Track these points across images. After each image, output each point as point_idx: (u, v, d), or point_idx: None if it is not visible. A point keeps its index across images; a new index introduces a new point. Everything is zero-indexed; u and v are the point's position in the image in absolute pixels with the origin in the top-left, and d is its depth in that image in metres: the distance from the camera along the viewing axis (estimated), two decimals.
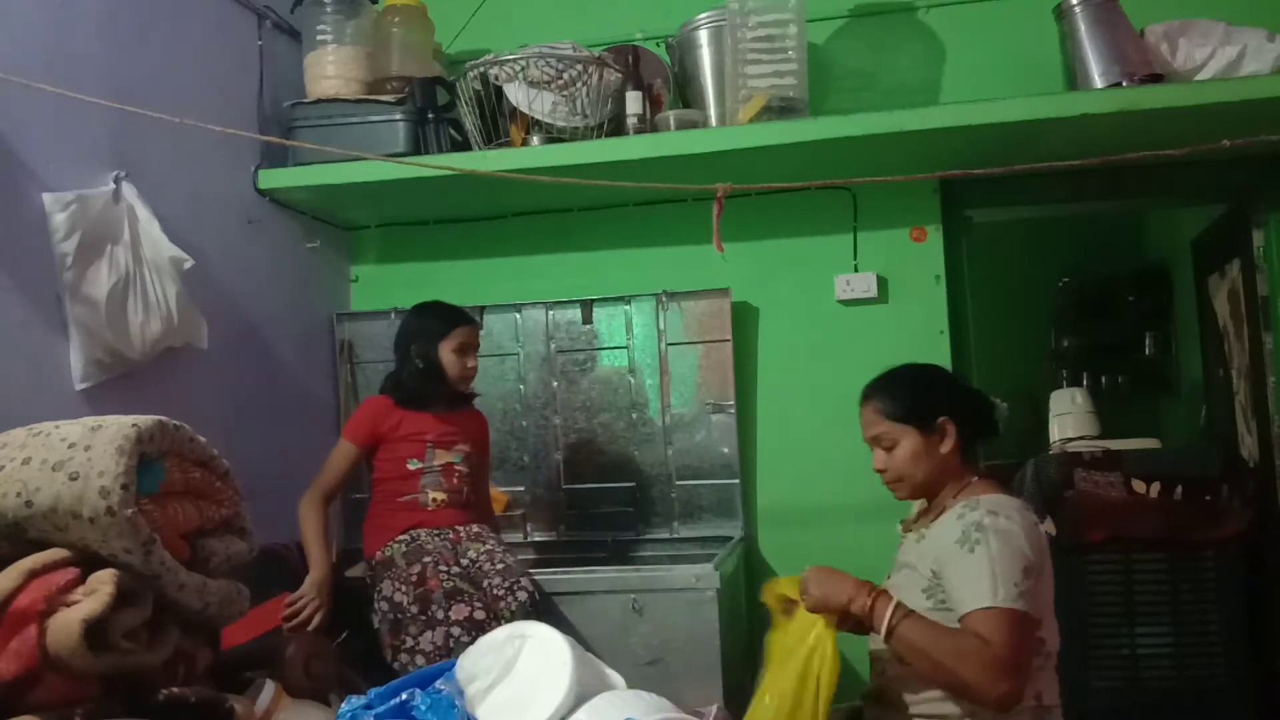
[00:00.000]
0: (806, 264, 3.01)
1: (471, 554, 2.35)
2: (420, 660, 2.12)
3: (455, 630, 2.12)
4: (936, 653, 1.64)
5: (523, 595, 2.25)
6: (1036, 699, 1.73)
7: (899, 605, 1.68)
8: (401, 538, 2.36)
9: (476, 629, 2.09)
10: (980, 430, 1.91)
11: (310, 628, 2.19)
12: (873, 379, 1.94)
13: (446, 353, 2.44)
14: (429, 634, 2.14)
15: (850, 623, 1.76)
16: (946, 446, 1.83)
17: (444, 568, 2.25)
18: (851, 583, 1.73)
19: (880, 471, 1.89)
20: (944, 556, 1.72)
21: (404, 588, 2.24)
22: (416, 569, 2.25)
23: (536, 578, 2.36)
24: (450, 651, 2.08)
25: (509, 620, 2.12)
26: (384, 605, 2.25)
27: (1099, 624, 2.83)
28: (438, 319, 2.48)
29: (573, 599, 2.39)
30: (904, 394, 1.87)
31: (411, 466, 2.42)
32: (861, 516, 2.81)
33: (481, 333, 2.63)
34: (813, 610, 1.76)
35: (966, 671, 1.61)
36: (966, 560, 1.68)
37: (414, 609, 2.19)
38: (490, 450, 2.69)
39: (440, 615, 2.15)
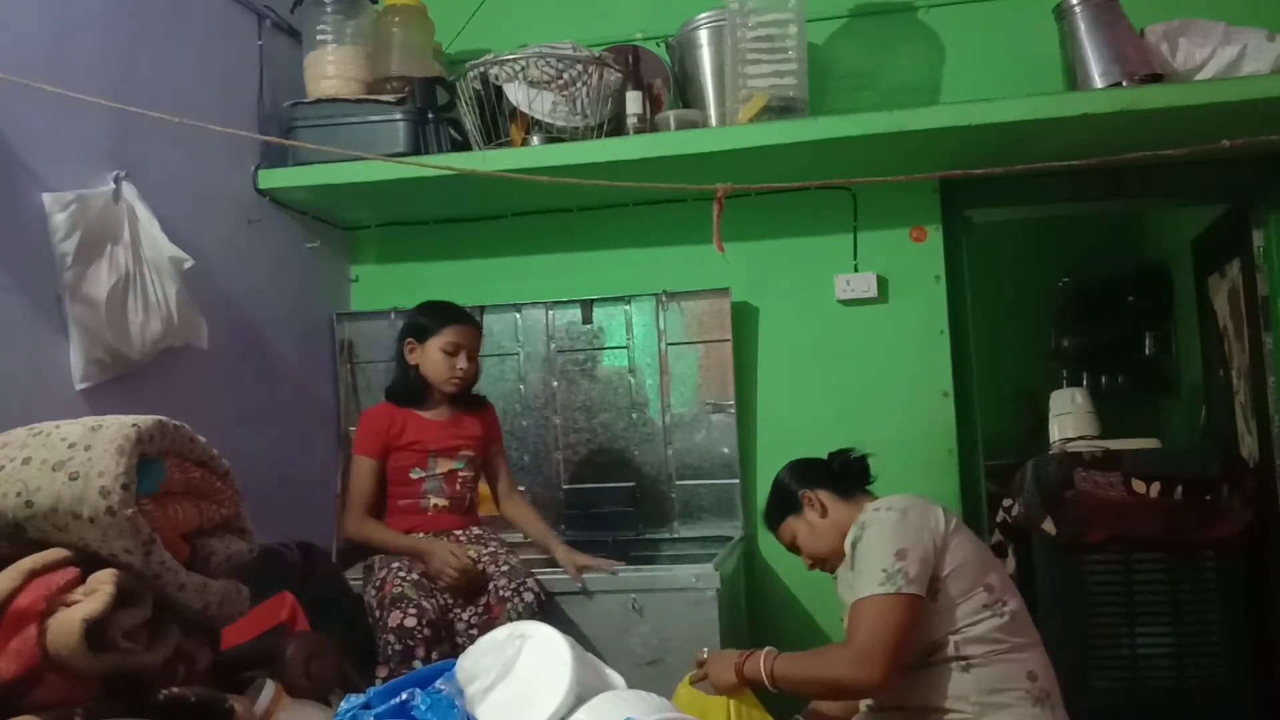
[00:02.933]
0: (806, 264, 3.01)
1: (473, 554, 2.35)
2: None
3: (390, 637, 2.11)
4: (808, 672, 1.80)
5: (529, 597, 2.25)
6: (1030, 677, 1.77)
7: (768, 652, 1.83)
8: None
9: (406, 635, 2.09)
10: (848, 475, 2.08)
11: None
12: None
13: (434, 351, 2.42)
14: (381, 637, 2.15)
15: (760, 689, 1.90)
16: (821, 511, 2.01)
17: (402, 573, 2.24)
18: (734, 655, 1.87)
19: (811, 568, 2.07)
20: (852, 563, 1.85)
21: (373, 591, 2.26)
22: (384, 573, 2.26)
23: (541, 576, 2.36)
24: (388, 659, 2.09)
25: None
26: (369, 605, 2.27)
27: (1099, 624, 2.84)
28: (430, 317, 2.46)
29: (573, 599, 2.39)
30: (770, 503, 2.12)
31: (414, 475, 2.43)
32: None
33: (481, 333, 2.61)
34: (720, 694, 1.88)
35: (833, 672, 1.75)
36: (855, 560, 1.83)
37: (378, 613, 2.20)
38: (503, 437, 2.67)
39: (384, 620, 2.16)
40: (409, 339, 2.46)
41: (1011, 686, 1.76)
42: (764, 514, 2.15)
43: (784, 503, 2.07)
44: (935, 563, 1.79)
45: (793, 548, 2.08)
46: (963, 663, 1.77)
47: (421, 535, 2.38)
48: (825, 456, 2.15)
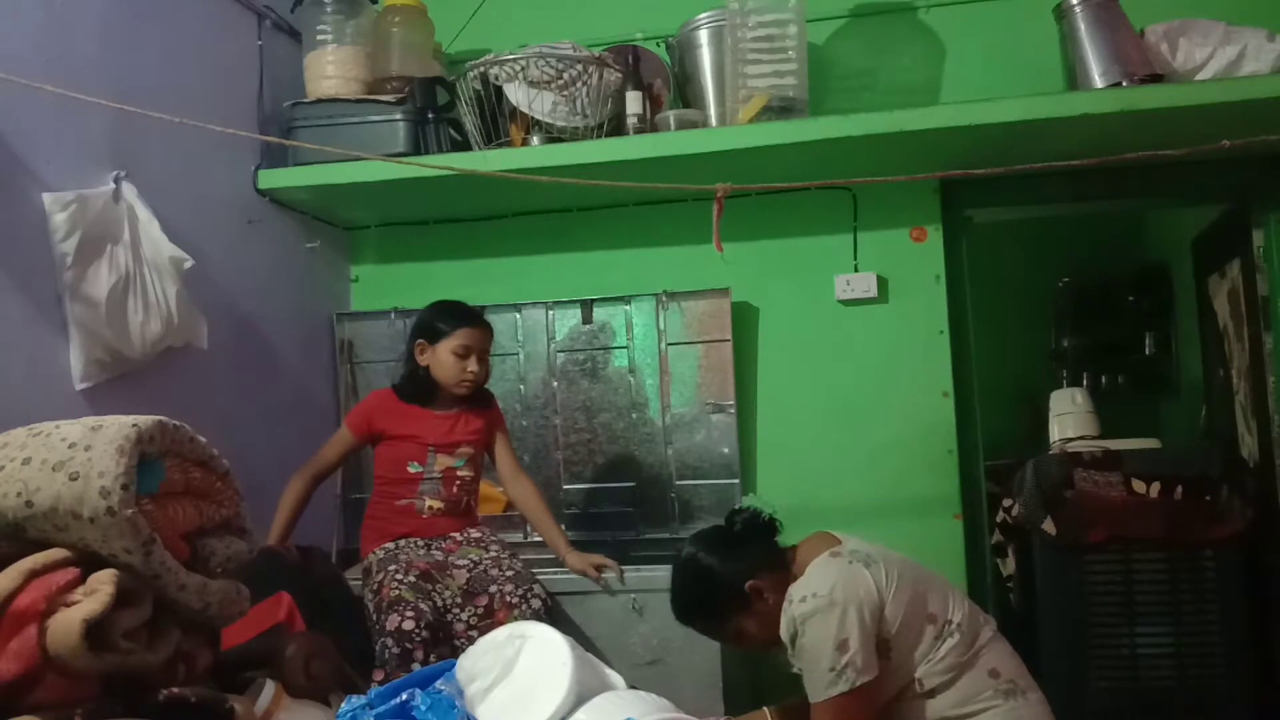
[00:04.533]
0: (806, 264, 3.01)
1: (473, 555, 2.35)
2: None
3: (389, 641, 2.10)
4: None
5: (536, 604, 2.24)
6: (992, 675, 1.79)
7: None
8: (388, 545, 2.37)
9: (404, 639, 2.09)
10: (764, 540, 1.95)
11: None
12: (672, 606, 2.00)
13: (445, 353, 2.42)
14: (379, 640, 2.14)
15: None
16: (767, 604, 1.87)
17: (400, 575, 2.23)
18: None
19: (755, 653, 2.03)
20: (796, 661, 1.83)
21: (371, 595, 2.25)
22: (381, 575, 2.25)
23: (543, 577, 2.36)
24: (385, 662, 2.08)
25: None
26: (367, 608, 2.26)
27: (1099, 624, 2.83)
28: (442, 318, 2.46)
29: (573, 599, 2.39)
30: (703, 603, 1.94)
31: (411, 470, 2.42)
32: (861, 516, 2.81)
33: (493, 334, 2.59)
34: None
35: None
36: (798, 660, 1.81)
37: (375, 616, 2.20)
38: (507, 427, 2.65)
39: (381, 623, 2.15)
40: (420, 339, 2.45)
41: (979, 692, 1.78)
42: (689, 616, 1.98)
43: (727, 601, 1.89)
44: (877, 631, 1.77)
45: (736, 642, 1.96)
46: (928, 692, 1.79)
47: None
48: (723, 522, 2.02)
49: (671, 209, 3.05)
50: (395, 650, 2.08)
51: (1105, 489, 2.82)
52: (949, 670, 1.78)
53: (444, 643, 2.17)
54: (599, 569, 2.38)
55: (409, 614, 2.12)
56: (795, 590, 1.83)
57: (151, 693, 1.36)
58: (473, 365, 2.42)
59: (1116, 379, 4.81)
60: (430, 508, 2.42)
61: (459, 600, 2.26)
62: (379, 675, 2.07)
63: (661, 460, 3.00)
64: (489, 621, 2.19)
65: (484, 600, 2.26)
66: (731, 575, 1.89)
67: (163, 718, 1.35)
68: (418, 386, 2.45)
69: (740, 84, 2.66)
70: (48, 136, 2.04)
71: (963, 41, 2.98)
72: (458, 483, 2.45)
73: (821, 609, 1.76)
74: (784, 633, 1.82)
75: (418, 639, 2.09)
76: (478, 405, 2.52)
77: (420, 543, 2.39)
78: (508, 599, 2.23)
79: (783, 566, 1.92)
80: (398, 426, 2.43)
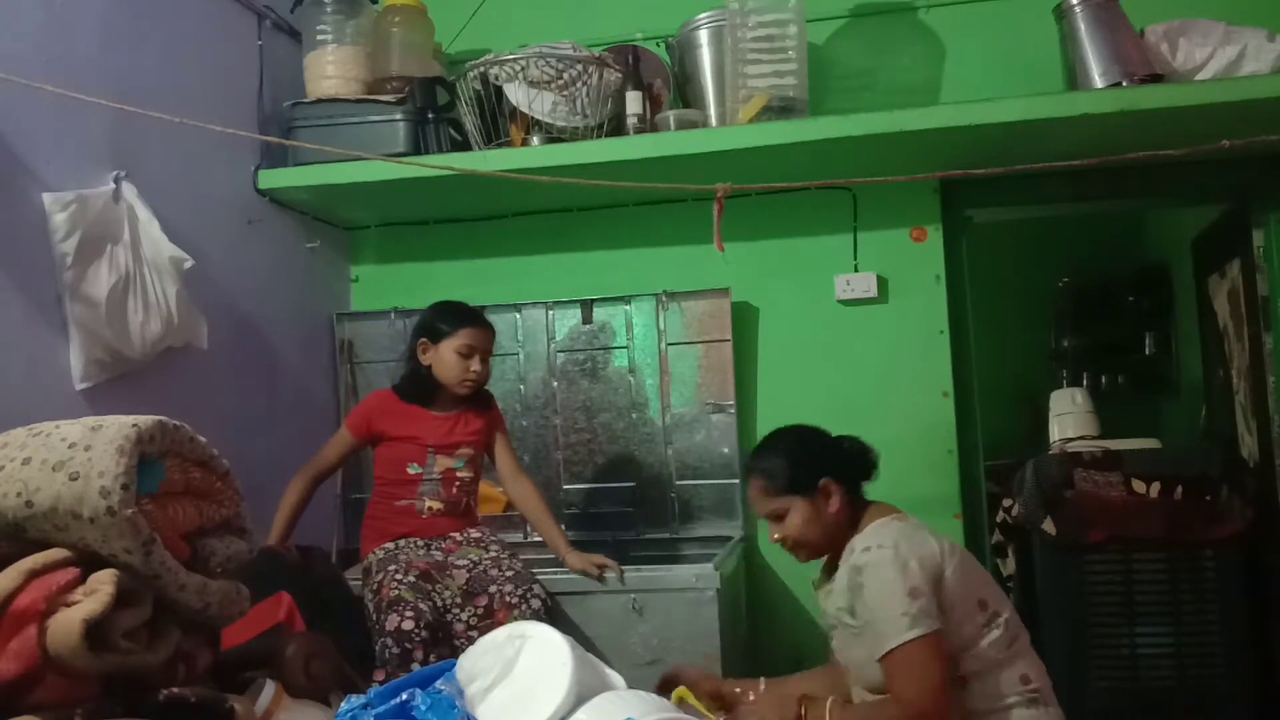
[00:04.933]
0: (806, 264, 3.01)
1: (473, 555, 2.35)
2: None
3: (388, 641, 2.10)
4: None
5: (536, 604, 2.24)
6: (1023, 680, 1.77)
7: (831, 706, 1.77)
8: (387, 545, 2.36)
9: (404, 639, 2.08)
10: (860, 474, 1.95)
11: None
12: (753, 450, 2.01)
13: (448, 352, 2.41)
14: (379, 640, 2.14)
15: None
16: (834, 506, 1.89)
17: (399, 575, 2.23)
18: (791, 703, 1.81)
19: (779, 542, 1.94)
20: (853, 608, 1.79)
21: (370, 595, 2.25)
22: (381, 575, 2.25)
23: (543, 576, 2.36)
24: (385, 662, 2.08)
25: None
26: (367, 608, 2.26)
27: (1099, 624, 2.83)
28: (445, 317, 2.45)
29: (573, 599, 2.39)
30: (783, 467, 1.92)
31: (411, 471, 2.41)
32: None
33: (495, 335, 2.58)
34: None
35: None
36: (862, 610, 1.76)
37: (375, 616, 2.20)
38: (507, 427, 2.65)
39: (381, 623, 2.15)
40: (422, 339, 2.45)
41: (1007, 694, 1.77)
42: (759, 468, 1.95)
43: (799, 479, 1.90)
44: (937, 592, 1.76)
45: (772, 517, 1.94)
46: (960, 679, 1.77)
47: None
48: (834, 436, 2.00)
49: (671, 209, 3.05)
50: (395, 650, 2.08)
51: (1105, 489, 2.83)
52: (986, 663, 1.76)
53: (444, 643, 2.17)
54: (600, 568, 2.38)
55: (408, 614, 2.12)
56: (858, 542, 1.82)
57: (151, 693, 1.36)
58: (475, 365, 2.42)
59: (1116, 379, 4.81)
60: (430, 508, 2.42)
61: (459, 600, 2.26)
62: (379, 675, 2.07)
63: (661, 460, 3.00)
64: (489, 622, 2.18)
65: (484, 600, 2.26)
66: (815, 460, 1.91)
67: (163, 718, 1.34)
68: (419, 386, 2.44)
69: (740, 84, 2.66)
70: (48, 136, 2.04)
71: (963, 41, 2.98)
72: (457, 484, 2.45)
73: (887, 560, 1.74)
74: (845, 581, 1.79)
75: (417, 639, 2.09)
76: (477, 406, 2.52)
77: (420, 543, 2.39)
78: (507, 599, 2.23)
79: (853, 502, 1.91)
80: (397, 428, 2.43)
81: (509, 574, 2.29)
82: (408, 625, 2.10)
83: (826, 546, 1.93)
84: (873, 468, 1.98)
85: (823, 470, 1.89)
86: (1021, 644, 1.82)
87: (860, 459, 1.97)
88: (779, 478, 1.91)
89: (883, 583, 1.73)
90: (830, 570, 1.96)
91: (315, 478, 2.46)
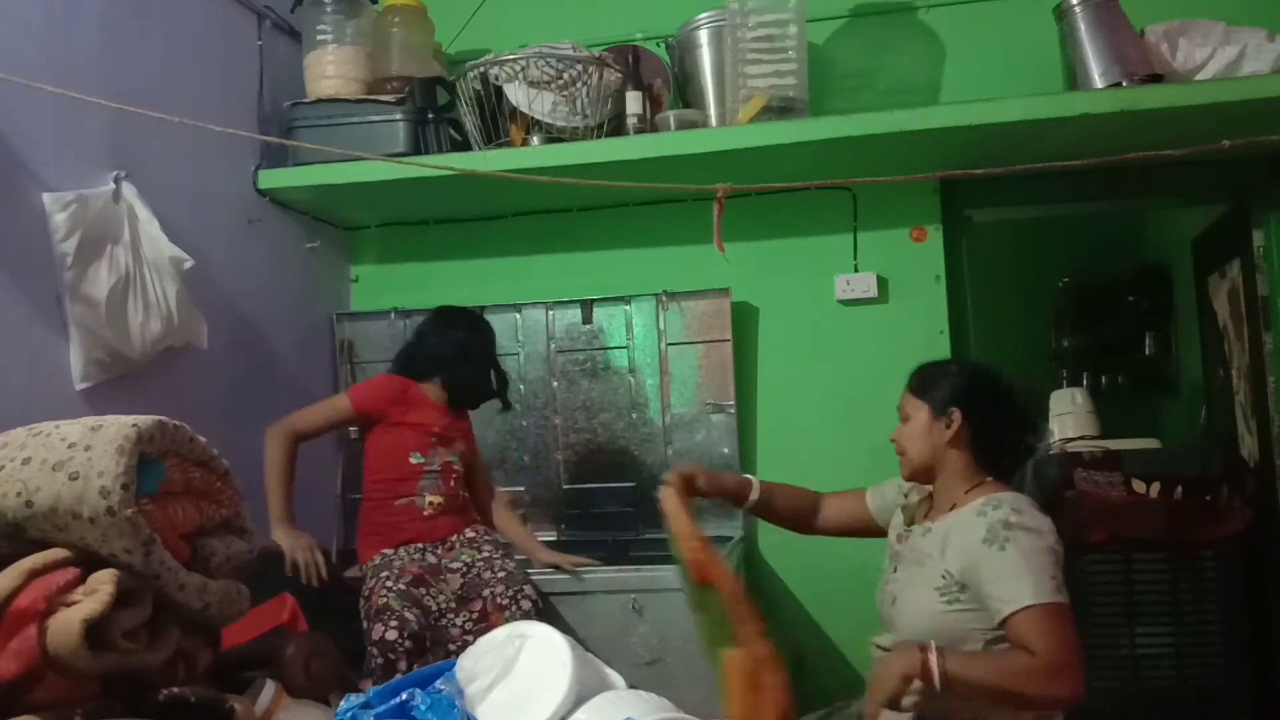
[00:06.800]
0: (806, 264, 3.01)
1: (466, 558, 2.35)
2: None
3: (374, 650, 2.09)
4: (993, 682, 1.64)
5: (527, 604, 2.24)
6: None
7: (940, 653, 1.63)
8: (386, 551, 2.35)
9: (388, 649, 2.07)
10: (1001, 442, 1.87)
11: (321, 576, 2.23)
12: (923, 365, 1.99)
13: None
14: (368, 649, 2.14)
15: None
16: (947, 435, 1.84)
17: (389, 583, 2.22)
18: (895, 663, 1.67)
19: (893, 441, 1.94)
20: (971, 557, 1.71)
21: (363, 602, 2.24)
22: (373, 582, 2.25)
23: (536, 578, 2.36)
24: (370, 672, 2.07)
25: None
26: (361, 615, 2.25)
27: (1099, 624, 2.83)
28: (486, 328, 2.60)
29: (573, 599, 2.39)
30: (933, 374, 1.92)
31: (414, 460, 2.40)
32: None
33: None
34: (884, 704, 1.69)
35: (1027, 688, 1.62)
36: (999, 559, 1.68)
37: (365, 624, 2.19)
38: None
39: (369, 632, 2.14)
40: (485, 346, 2.58)
41: None
42: (920, 369, 1.95)
43: (935, 390, 1.88)
44: None
45: (901, 414, 1.92)
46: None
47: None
48: (1016, 400, 1.91)
49: (671, 209, 3.05)
50: (379, 660, 2.07)
51: (1105, 489, 2.83)
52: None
53: (431, 651, 2.14)
54: (575, 564, 2.43)
55: (393, 623, 2.10)
56: (1006, 500, 1.75)
57: (151, 693, 1.36)
58: None
59: (1116, 379, 4.81)
60: (431, 503, 2.40)
61: (453, 605, 2.25)
62: (366, 685, 2.06)
63: (661, 460, 3.00)
64: (484, 625, 2.17)
65: (478, 605, 2.25)
66: (966, 390, 1.87)
67: (163, 718, 1.35)
68: (477, 391, 2.55)
69: (740, 84, 2.66)
70: (48, 136, 2.04)
71: (963, 41, 2.98)
72: (454, 477, 2.45)
73: (1045, 530, 1.72)
74: (980, 529, 1.71)
75: (400, 649, 2.08)
76: (462, 410, 2.55)
77: (415, 547, 2.38)
78: (499, 600, 2.23)
79: (981, 460, 1.85)
80: (405, 414, 2.42)
81: (500, 575, 2.29)
82: (391, 635, 2.09)
83: (923, 471, 1.89)
84: (1029, 451, 1.88)
85: (959, 400, 1.85)
86: None
87: (1014, 428, 1.88)
88: (924, 381, 1.92)
89: (1035, 547, 1.68)
90: (927, 509, 1.91)
91: (298, 436, 2.36)
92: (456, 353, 2.49)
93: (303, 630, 2.04)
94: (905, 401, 1.93)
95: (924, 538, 1.84)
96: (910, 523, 1.94)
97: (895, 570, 1.89)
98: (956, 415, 1.85)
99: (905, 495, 2.03)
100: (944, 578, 1.74)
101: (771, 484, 2.13)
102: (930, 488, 1.93)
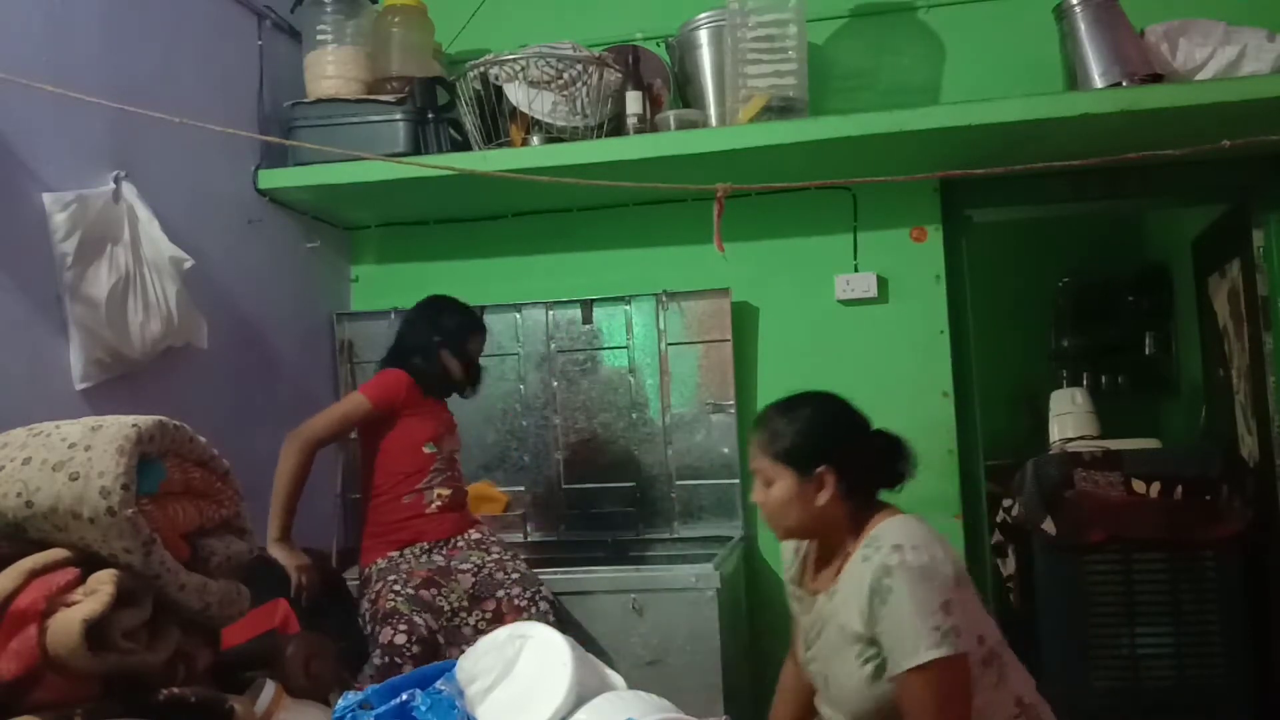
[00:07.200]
0: (806, 264, 3.01)
1: (475, 559, 2.34)
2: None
3: (379, 653, 2.09)
4: None
5: (544, 605, 2.25)
6: (1018, 704, 1.66)
7: None
8: (391, 554, 2.34)
9: (395, 653, 2.07)
10: (878, 477, 1.74)
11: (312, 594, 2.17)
12: (776, 402, 1.81)
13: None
14: (373, 652, 2.13)
15: None
16: (823, 499, 1.66)
17: (398, 587, 2.22)
18: None
19: (758, 504, 1.76)
20: (867, 613, 1.57)
21: (368, 605, 2.24)
22: (379, 586, 2.24)
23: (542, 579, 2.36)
24: (371, 676, 2.06)
25: None
26: (363, 617, 2.25)
27: (1099, 624, 2.84)
28: (468, 317, 2.56)
29: (573, 599, 2.39)
30: (789, 433, 1.72)
31: (427, 450, 2.39)
32: None
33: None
34: None
35: None
36: (885, 615, 1.55)
37: (370, 628, 2.19)
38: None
39: (375, 635, 2.14)
40: (438, 338, 2.49)
41: None
42: (767, 423, 1.75)
43: (798, 454, 1.69)
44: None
45: (759, 477, 1.73)
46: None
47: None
48: (872, 430, 1.77)
49: (671, 209, 3.05)
50: (383, 663, 2.06)
51: (1105, 489, 2.83)
52: (978, 693, 1.59)
53: (448, 649, 2.15)
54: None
55: (401, 627, 2.10)
56: (884, 536, 1.60)
57: (151, 693, 1.36)
58: (475, 365, 2.54)
59: (1116, 379, 4.81)
60: (440, 497, 2.39)
61: (465, 604, 2.25)
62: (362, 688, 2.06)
63: (661, 460, 3.00)
64: (498, 624, 2.17)
65: (491, 605, 2.25)
66: (826, 442, 1.70)
67: (163, 718, 1.34)
68: (449, 380, 2.51)
69: (740, 84, 2.66)
70: (48, 136, 2.04)
71: (963, 41, 2.98)
72: (457, 467, 2.49)
73: (924, 564, 1.54)
74: (866, 580, 1.57)
75: (408, 654, 2.08)
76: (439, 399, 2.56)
77: (421, 548, 2.37)
78: (516, 602, 2.23)
79: (855, 504, 1.68)
80: (419, 409, 2.42)
81: (514, 576, 2.29)
82: (400, 639, 2.09)
83: (801, 534, 1.76)
84: (900, 478, 1.75)
85: (827, 457, 1.67)
86: (1013, 667, 1.68)
87: (884, 463, 1.74)
88: (779, 442, 1.71)
89: (914, 592, 1.52)
90: (820, 567, 1.75)
91: (317, 444, 2.32)
92: (414, 342, 2.50)
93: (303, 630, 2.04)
94: (762, 465, 1.72)
95: (828, 602, 1.69)
96: (803, 585, 1.80)
97: (810, 649, 1.74)
98: (828, 475, 1.67)
99: (796, 551, 1.85)
100: (858, 641, 1.61)
101: None
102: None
